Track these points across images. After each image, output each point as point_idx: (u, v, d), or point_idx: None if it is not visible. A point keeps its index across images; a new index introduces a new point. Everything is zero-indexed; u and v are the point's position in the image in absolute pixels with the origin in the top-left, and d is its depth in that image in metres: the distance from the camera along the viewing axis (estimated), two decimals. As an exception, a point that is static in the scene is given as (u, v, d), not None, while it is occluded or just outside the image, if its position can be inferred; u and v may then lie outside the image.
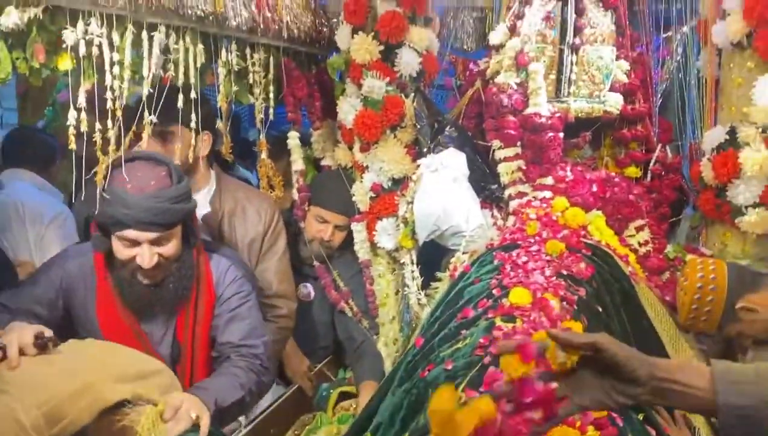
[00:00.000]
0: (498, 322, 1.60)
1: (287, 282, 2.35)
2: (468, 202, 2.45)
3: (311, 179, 2.75)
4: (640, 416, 1.41)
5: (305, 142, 2.76)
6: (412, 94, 2.55)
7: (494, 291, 1.81)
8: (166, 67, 1.93)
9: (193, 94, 1.96)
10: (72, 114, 1.65)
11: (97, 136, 1.67)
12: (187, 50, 1.97)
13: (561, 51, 2.62)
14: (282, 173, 2.66)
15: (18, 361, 1.31)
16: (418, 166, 2.50)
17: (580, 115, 2.68)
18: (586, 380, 0.96)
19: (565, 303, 1.74)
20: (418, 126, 2.53)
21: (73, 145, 1.62)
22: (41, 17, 1.61)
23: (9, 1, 1.55)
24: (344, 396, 2.49)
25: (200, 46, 2.02)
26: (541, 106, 2.50)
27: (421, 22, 2.54)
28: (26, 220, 2.57)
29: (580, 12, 2.61)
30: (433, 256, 2.60)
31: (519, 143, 2.54)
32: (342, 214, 2.60)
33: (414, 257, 2.57)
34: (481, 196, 2.55)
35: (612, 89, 2.75)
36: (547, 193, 2.50)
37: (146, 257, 1.67)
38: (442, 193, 2.41)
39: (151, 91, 1.82)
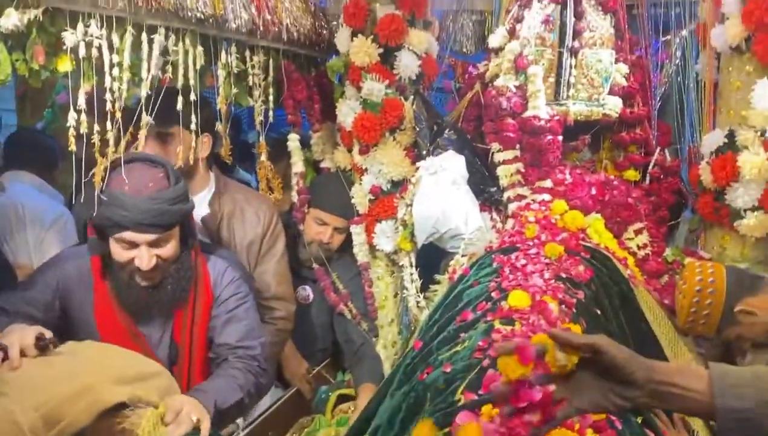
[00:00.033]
0: (497, 325, 1.59)
1: (286, 284, 2.35)
2: (467, 205, 2.45)
3: (310, 181, 2.75)
4: (639, 420, 1.41)
5: (305, 144, 2.76)
6: (412, 97, 2.55)
7: (493, 294, 1.81)
8: (165, 69, 1.93)
9: (192, 96, 1.96)
10: (72, 115, 1.65)
11: (95, 138, 1.67)
12: (186, 52, 1.97)
13: (560, 54, 2.62)
14: (281, 176, 2.66)
15: (20, 362, 1.32)
16: (417, 168, 2.50)
17: (579, 118, 2.68)
18: (585, 383, 0.96)
19: (563, 306, 1.74)
20: (417, 129, 2.54)
21: (73, 147, 1.62)
22: (41, 19, 1.61)
23: (9, 2, 1.56)
24: (343, 399, 2.49)
25: (200, 48, 2.02)
26: (540, 109, 2.51)
27: (421, 25, 2.55)
28: (26, 222, 2.57)
29: (579, 15, 2.62)
30: (432, 258, 2.60)
31: (518, 146, 2.54)
32: (341, 217, 2.60)
33: (413, 260, 2.58)
34: (480, 199, 2.55)
35: (611, 92, 2.75)
36: (546, 196, 2.50)
37: (145, 258, 1.67)
38: (441, 195, 2.41)
39: (149, 93, 1.82)
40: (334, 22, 2.73)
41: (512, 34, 2.63)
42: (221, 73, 2.19)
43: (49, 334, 1.39)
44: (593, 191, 2.55)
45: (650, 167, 2.82)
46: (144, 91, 1.82)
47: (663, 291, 2.38)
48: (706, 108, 2.57)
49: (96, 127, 1.68)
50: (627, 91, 2.80)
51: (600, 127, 2.80)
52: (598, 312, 1.89)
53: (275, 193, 2.56)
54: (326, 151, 2.79)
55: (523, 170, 2.55)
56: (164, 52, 1.90)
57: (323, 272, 2.63)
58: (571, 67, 2.64)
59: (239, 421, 2.08)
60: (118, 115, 1.75)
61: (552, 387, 0.93)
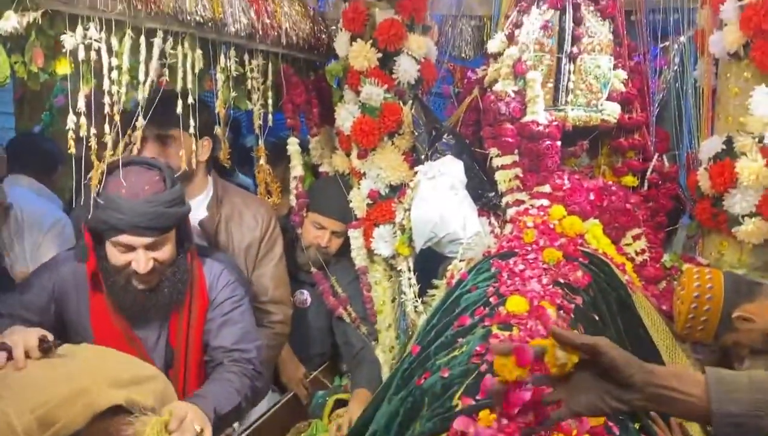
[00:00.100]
0: (495, 330, 1.59)
1: (283, 288, 2.35)
2: (465, 209, 2.45)
3: (309, 185, 2.75)
4: (636, 425, 1.41)
5: (304, 148, 2.76)
6: (410, 102, 2.56)
7: (491, 299, 1.81)
8: (163, 72, 1.93)
9: (191, 100, 1.96)
10: (71, 118, 1.65)
11: (92, 141, 1.67)
12: (185, 56, 1.97)
13: (559, 60, 2.62)
14: (280, 179, 2.66)
15: (24, 363, 1.31)
16: (416, 173, 2.51)
17: (577, 123, 2.68)
18: (582, 384, 0.96)
19: (561, 311, 1.74)
20: (416, 133, 2.54)
21: (73, 150, 1.62)
22: (40, 21, 1.61)
23: (8, 5, 1.56)
24: (340, 403, 2.48)
25: (199, 52, 2.02)
26: (538, 114, 2.51)
27: (420, 30, 2.55)
28: (24, 226, 2.57)
29: (578, 21, 2.62)
30: (430, 263, 2.60)
31: (516, 151, 2.54)
32: (339, 221, 2.60)
33: (411, 264, 2.57)
34: (478, 204, 2.55)
35: (609, 98, 2.75)
36: (545, 202, 2.50)
37: (141, 262, 1.67)
38: (440, 200, 2.41)
39: (146, 96, 1.82)
40: (333, 27, 2.73)
41: (511, 39, 2.64)
42: (220, 76, 2.19)
43: (50, 336, 1.39)
44: (591, 197, 2.54)
45: (648, 173, 2.81)
46: (140, 95, 1.81)
47: (661, 297, 2.38)
48: (704, 114, 2.58)
49: (93, 131, 1.68)
50: (625, 96, 2.80)
51: (598, 133, 2.80)
52: (596, 318, 1.89)
53: (274, 197, 2.56)
54: (325, 156, 2.79)
55: (521, 175, 2.55)
56: (162, 55, 1.90)
57: (321, 276, 2.63)
58: (569, 72, 2.64)
59: (235, 425, 2.07)
60: (117, 118, 1.75)
61: (544, 388, 0.93)
